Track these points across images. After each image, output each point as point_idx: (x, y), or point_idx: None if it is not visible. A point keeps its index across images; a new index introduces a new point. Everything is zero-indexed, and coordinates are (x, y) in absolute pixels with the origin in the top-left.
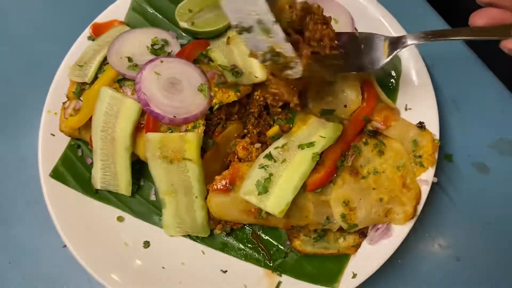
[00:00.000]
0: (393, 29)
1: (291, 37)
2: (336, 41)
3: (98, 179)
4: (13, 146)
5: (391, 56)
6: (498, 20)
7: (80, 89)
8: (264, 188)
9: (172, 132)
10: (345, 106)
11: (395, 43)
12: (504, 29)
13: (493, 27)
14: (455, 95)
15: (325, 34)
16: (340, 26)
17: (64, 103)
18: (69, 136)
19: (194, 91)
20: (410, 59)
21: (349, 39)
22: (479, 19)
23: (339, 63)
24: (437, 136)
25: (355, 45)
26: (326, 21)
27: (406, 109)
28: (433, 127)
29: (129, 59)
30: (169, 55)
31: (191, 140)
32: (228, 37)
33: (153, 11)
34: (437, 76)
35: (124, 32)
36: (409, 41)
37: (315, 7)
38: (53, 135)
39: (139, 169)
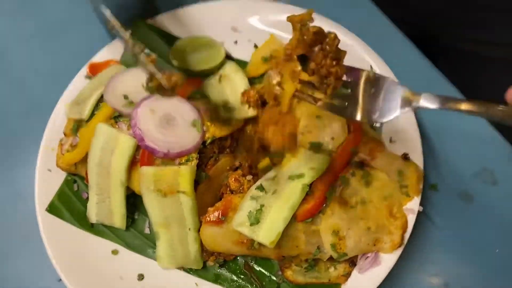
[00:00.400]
0: (380, 69)
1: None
2: (343, 78)
3: (93, 213)
4: (10, 181)
5: (401, 111)
6: None
7: (77, 126)
8: (256, 219)
9: (166, 165)
10: (332, 138)
11: (409, 100)
12: None
13: None
14: (438, 126)
15: (332, 72)
16: None
17: (61, 139)
18: (65, 171)
19: (188, 126)
20: None
21: (361, 78)
22: None
23: (341, 105)
24: (422, 167)
25: (366, 87)
26: (338, 57)
27: (390, 141)
28: (417, 158)
29: (125, 97)
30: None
31: (184, 173)
32: (220, 75)
33: (148, 51)
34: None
35: (120, 71)
36: (423, 103)
37: (331, 37)
38: (50, 171)
39: (133, 202)
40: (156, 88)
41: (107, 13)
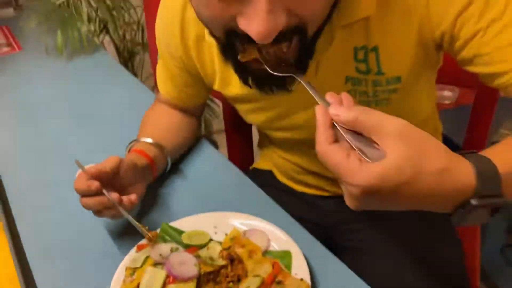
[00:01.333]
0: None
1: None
2: None
3: None
4: None
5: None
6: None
7: (133, 271)
8: None
9: (181, 284)
10: (265, 272)
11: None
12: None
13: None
14: (321, 266)
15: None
16: (261, 242)
17: (123, 279)
18: None
19: (192, 266)
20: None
21: None
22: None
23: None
24: (310, 284)
25: None
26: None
27: (295, 274)
28: (307, 280)
29: (161, 254)
30: (179, 251)
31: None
32: (207, 247)
33: (170, 238)
34: (312, 262)
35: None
36: None
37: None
38: None
39: None
40: (144, 237)
41: (130, 219)
